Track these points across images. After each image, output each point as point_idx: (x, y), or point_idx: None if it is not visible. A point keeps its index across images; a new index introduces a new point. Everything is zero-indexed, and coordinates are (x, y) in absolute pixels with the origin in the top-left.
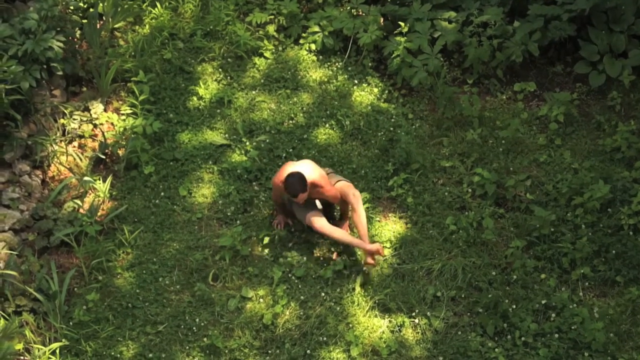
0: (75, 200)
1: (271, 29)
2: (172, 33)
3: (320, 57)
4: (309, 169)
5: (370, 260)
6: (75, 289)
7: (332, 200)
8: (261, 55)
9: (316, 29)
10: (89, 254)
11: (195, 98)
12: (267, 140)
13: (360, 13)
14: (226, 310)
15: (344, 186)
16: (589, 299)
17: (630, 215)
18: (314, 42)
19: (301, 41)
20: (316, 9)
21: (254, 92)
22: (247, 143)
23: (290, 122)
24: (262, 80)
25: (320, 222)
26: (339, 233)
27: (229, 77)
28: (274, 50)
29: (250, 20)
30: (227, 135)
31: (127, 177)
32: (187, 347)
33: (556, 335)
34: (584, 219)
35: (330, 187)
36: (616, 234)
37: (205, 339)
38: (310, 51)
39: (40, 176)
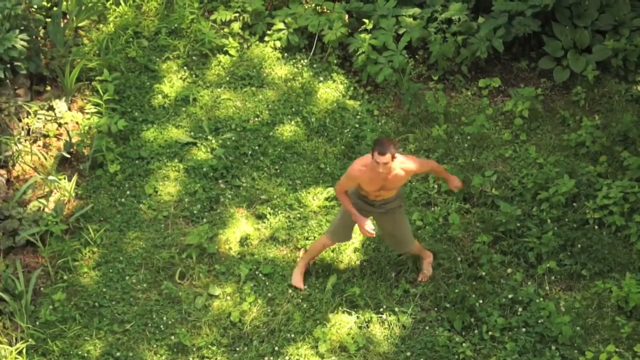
0: (41, 200)
1: (236, 26)
2: (136, 31)
3: (285, 54)
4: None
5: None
6: (42, 288)
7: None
8: (226, 52)
9: (281, 26)
10: (55, 253)
11: (160, 96)
12: (233, 138)
13: (325, 10)
14: (193, 308)
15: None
16: (555, 292)
17: (595, 210)
18: (279, 39)
19: (266, 38)
20: (281, 6)
21: (219, 89)
22: (213, 141)
23: (256, 119)
24: (227, 78)
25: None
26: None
27: (194, 75)
28: (238, 48)
29: (214, 18)
30: (192, 133)
31: (92, 176)
32: (155, 346)
33: (523, 329)
34: (550, 214)
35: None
36: (581, 228)
37: (172, 337)
38: (275, 48)
39: (5, 176)
